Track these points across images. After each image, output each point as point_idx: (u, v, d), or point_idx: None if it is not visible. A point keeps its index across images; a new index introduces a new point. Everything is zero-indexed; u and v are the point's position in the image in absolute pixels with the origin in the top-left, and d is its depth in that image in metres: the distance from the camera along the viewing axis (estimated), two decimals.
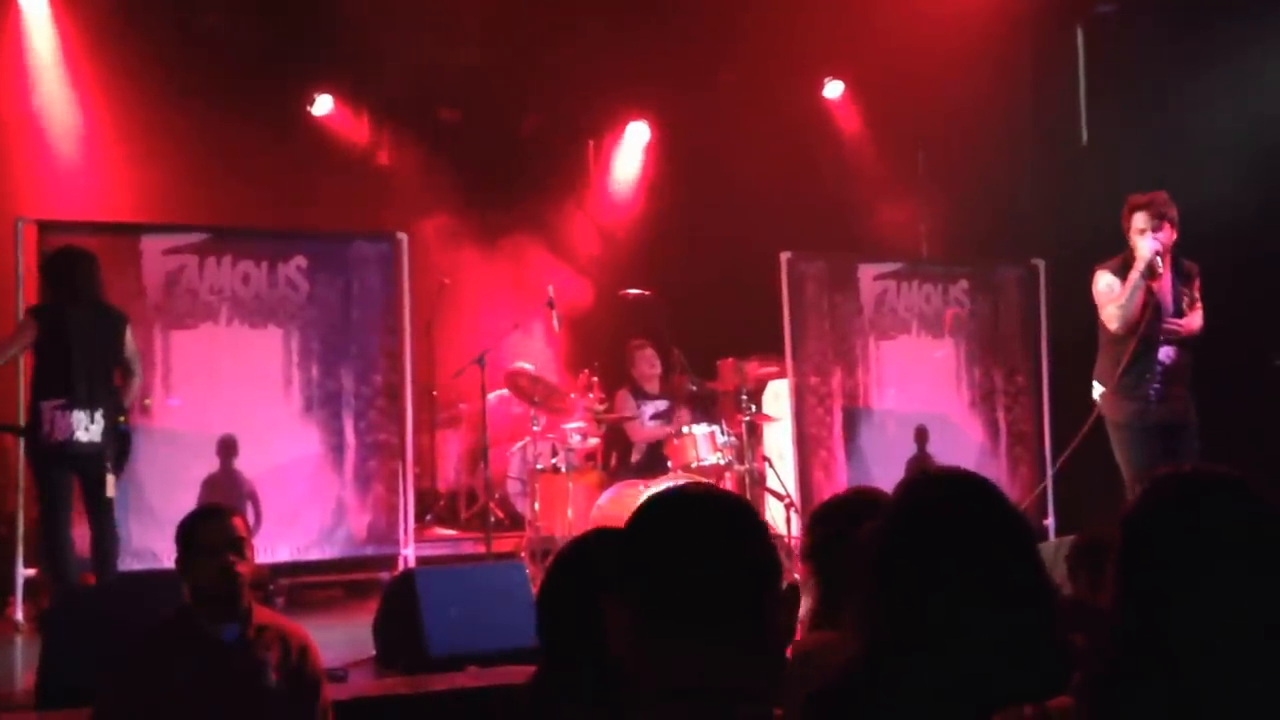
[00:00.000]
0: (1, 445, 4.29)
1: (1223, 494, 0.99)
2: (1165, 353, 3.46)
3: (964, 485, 1.13)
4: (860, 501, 1.54)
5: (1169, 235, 3.44)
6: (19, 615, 3.79)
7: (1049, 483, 5.09)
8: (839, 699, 1.06)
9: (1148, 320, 3.44)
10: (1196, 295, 3.55)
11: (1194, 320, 3.50)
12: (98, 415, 3.49)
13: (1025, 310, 5.39)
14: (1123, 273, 3.46)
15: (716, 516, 0.90)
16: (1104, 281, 3.51)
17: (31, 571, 3.83)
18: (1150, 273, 3.40)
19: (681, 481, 4.37)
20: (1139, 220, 3.43)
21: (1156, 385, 3.44)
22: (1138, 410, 3.45)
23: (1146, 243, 3.42)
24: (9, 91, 5.16)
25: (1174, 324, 3.46)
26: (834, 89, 6.26)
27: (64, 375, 3.47)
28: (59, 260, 3.63)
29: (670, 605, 0.86)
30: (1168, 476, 1.04)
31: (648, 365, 4.99)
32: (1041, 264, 5.36)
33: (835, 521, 1.52)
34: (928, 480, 1.17)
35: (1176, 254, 3.51)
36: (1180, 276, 3.52)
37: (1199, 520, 0.97)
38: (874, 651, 1.06)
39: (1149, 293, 3.43)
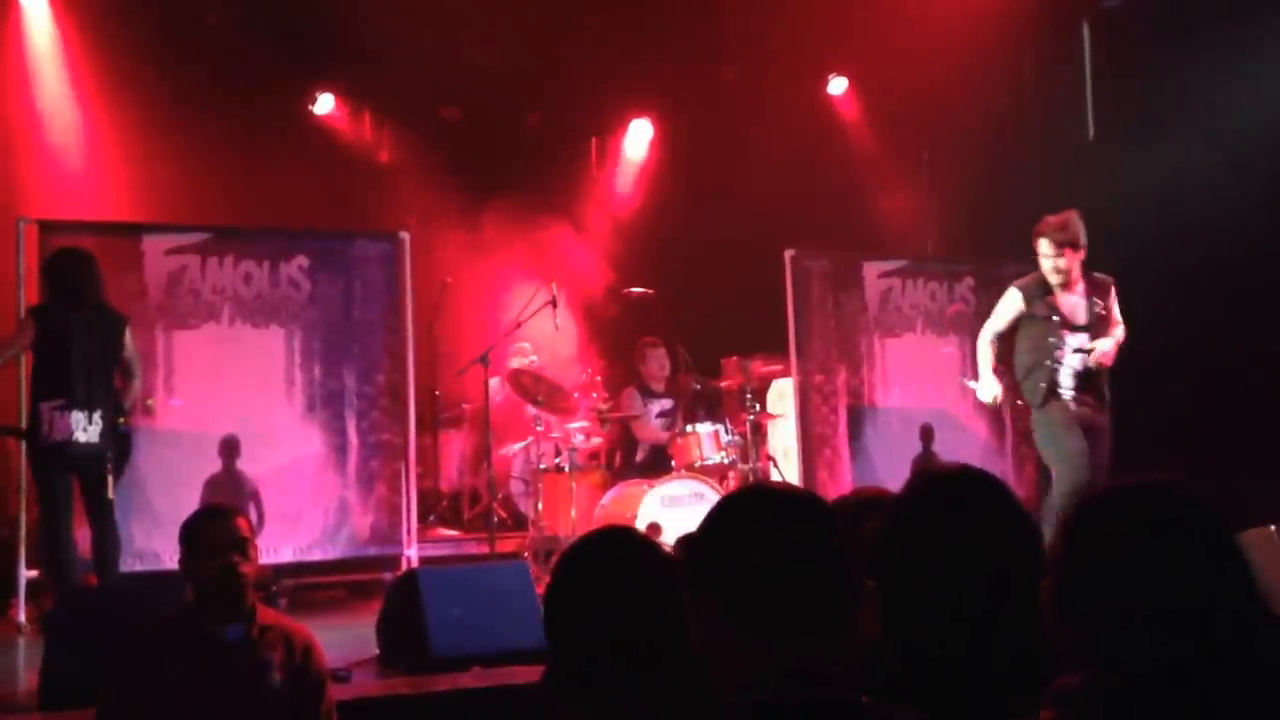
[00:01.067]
0: (3, 447, 4.28)
1: (1158, 506, 0.95)
2: (1074, 360, 3.56)
3: (967, 485, 1.11)
4: (864, 501, 1.53)
5: (1071, 259, 3.55)
6: (21, 617, 3.78)
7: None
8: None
9: (1053, 332, 3.57)
10: (1113, 307, 3.63)
11: (1105, 344, 3.56)
12: (96, 416, 3.48)
13: None
14: (1035, 291, 3.61)
15: (797, 513, 0.90)
16: (1010, 300, 3.69)
17: (34, 573, 3.81)
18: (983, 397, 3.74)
19: (682, 478, 4.34)
20: (1042, 246, 3.56)
21: (1070, 389, 3.56)
22: (1058, 406, 3.57)
23: (987, 387, 3.69)
24: (10, 92, 5.15)
25: (1084, 348, 3.54)
26: (838, 85, 6.23)
27: (63, 376, 3.46)
28: (60, 261, 3.62)
29: (755, 602, 0.86)
30: (1092, 500, 0.98)
31: (658, 365, 4.97)
32: None
33: (840, 521, 1.50)
34: (931, 480, 1.16)
35: (1088, 269, 3.60)
36: (1094, 289, 3.61)
37: (1131, 536, 0.92)
38: (874, 652, 1.04)
39: (1051, 309, 3.57)
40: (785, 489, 0.95)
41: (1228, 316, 4.80)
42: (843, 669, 0.86)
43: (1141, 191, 4.96)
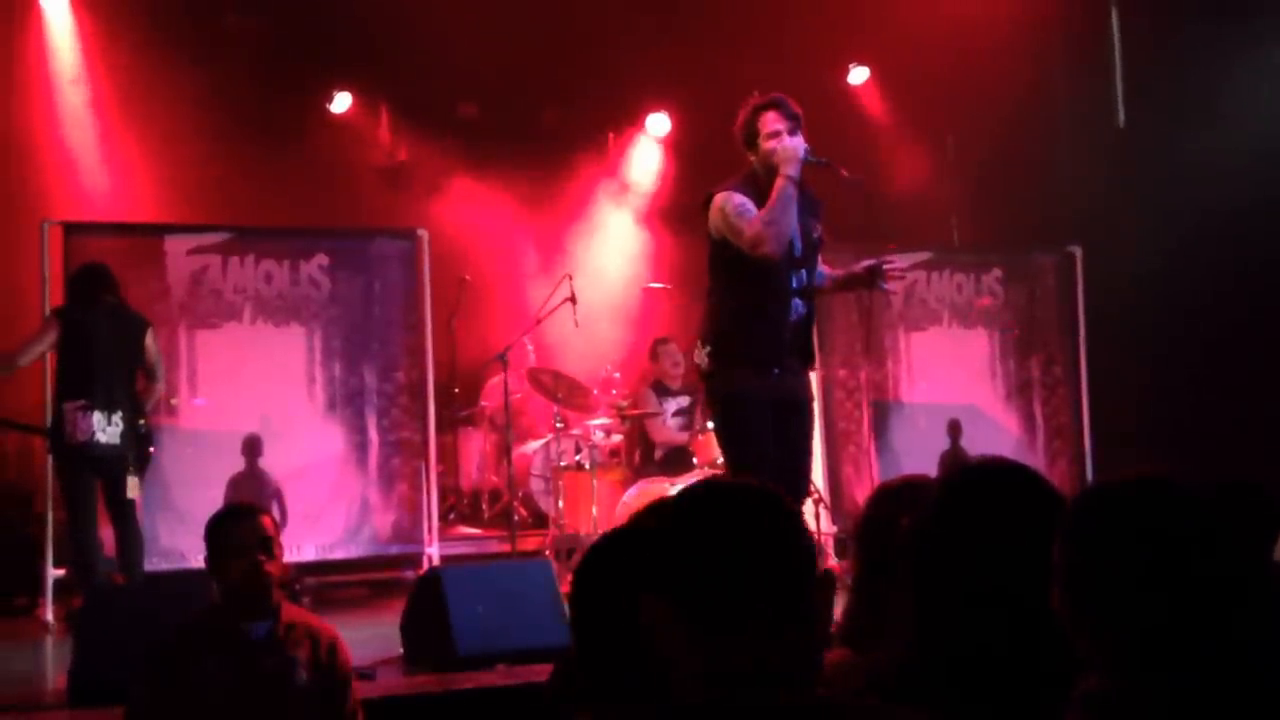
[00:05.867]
0: (29, 446, 4.32)
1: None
2: (796, 308, 2.55)
3: (1004, 477, 1.08)
4: (912, 489, 1.49)
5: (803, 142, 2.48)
6: (49, 615, 3.82)
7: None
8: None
9: (780, 264, 2.44)
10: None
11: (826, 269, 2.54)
12: (116, 418, 3.50)
13: (1062, 298, 5.25)
14: (753, 190, 2.47)
15: (752, 507, 0.89)
16: (733, 203, 2.50)
17: (61, 572, 3.84)
18: (805, 163, 2.40)
19: (704, 475, 4.29)
20: (771, 121, 2.53)
21: (784, 353, 2.54)
22: (760, 384, 2.53)
23: (794, 141, 2.49)
24: (32, 95, 5.20)
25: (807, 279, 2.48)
26: (859, 75, 6.14)
27: (84, 377, 3.49)
28: (78, 273, 3.70)
29: (713, 600, 0.85)
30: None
31: (671, 362, 4.93)
32: (1078, 250, 5.22)
33: (885, 508, 1.47)
34: (967, 473, 1.13)
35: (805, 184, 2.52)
36: (810, 210, 2.59)
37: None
38: (911, 655, 1.02)
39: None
40: (735, 483, 0.94)
41: (1263, 305, 4.68)
42: (801, 665, 0.85)
43: (1173, 179, 4.83)
